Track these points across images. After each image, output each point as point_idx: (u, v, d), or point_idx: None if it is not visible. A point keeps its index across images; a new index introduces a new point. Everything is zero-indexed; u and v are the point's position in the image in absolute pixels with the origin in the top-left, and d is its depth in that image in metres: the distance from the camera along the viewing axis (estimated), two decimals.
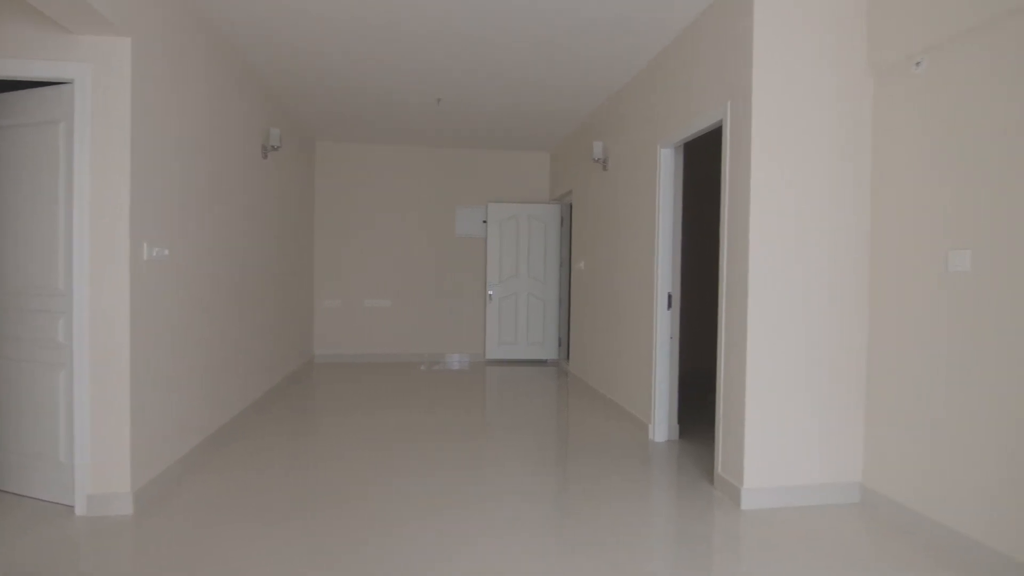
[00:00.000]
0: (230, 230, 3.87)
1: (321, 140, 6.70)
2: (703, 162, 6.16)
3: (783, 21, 2.77)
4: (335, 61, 4.17)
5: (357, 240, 6.87)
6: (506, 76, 4.44)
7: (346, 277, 6.86)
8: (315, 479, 3.05)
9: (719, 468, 3.01)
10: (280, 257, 5.28)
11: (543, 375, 6.26)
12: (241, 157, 4.09)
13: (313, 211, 6.73)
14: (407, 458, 3.42)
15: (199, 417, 3.39)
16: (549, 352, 6.97)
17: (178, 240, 3.08)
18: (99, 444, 2.61)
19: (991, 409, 2.24)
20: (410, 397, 5.04)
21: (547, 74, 4.39)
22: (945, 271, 2.45)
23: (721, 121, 3.09)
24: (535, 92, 4.83)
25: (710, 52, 3.20)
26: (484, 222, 7.01)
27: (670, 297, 3.80)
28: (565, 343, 6.81)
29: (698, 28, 3.36)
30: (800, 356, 2.83)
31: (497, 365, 6.81)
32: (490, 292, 6.84)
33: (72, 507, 2.64)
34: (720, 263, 3.03)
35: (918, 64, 2.60)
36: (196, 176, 3.30)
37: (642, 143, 4.17)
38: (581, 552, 2.33)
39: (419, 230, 6.99)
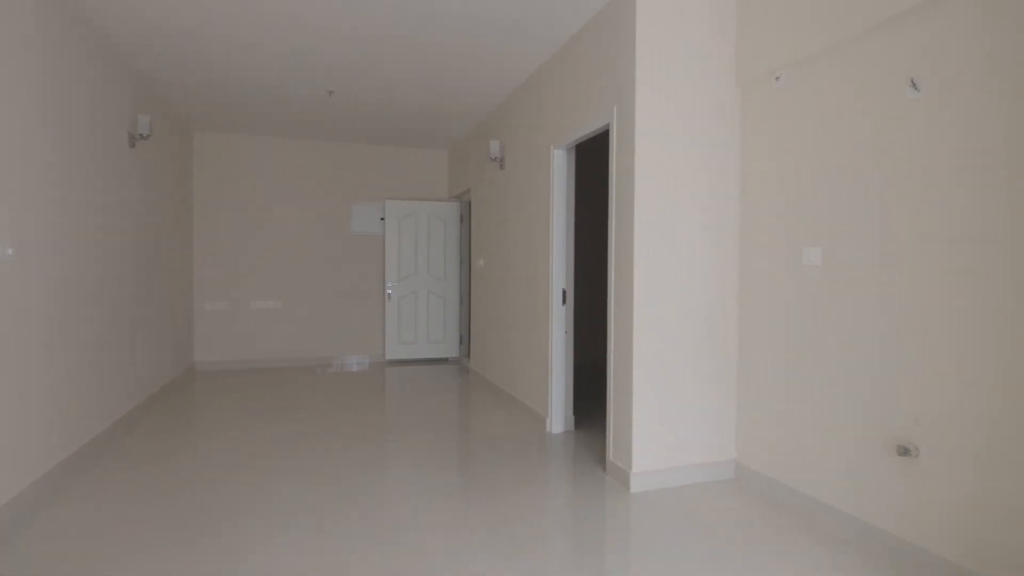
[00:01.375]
0: (84, 226, 3.46)
1: (201, 130, 6.20)
2: (599, 161, 6.42)
3: (662, 33, 2.95)
4: (214, 46, 3.88)
5: (244, 238, 6.44)
6: (401, 73, 4.37)
7: (232, 278, 6.41)
8: (187, 504, 2.81)
9: (610, 455, 3.15)
10: (151, 256, 4.83)
11: (444, 374, 6.23)
12: (100, 146, 3.68)
13: (192, 206, 6.23)
14: (298, 471, 3.27)
15: (45, 440, 3.01)
16: (450, 350, 6.95)
17: (16, 238, 2.72)
18: None
19: (842, 387, 2.54)
20: (304, 404, 4.81)
21: (442, 74, 4.37)
22: (800, 265, 2.73)
23: (608, 125, 3.24)
24: (431, 91, 4.79)
25: (598, 58, 3.35)
26: (382, 219, 6.85)
27: (564, 293, 3.93)
28: (466, 341, 6.83)
29: (587, 35, 3.50)
30: (681, 346, 3.03)
31: (397, 365, 6.69)
32: (389, 291, 6.70)
33: None
34: (608, 260, 3.18)
35: (778, 78, 2.88)
36: (32, 165, 2.91)
37: (536, 143, 4.27)
38: (481, 544, 2.34)
39: (312, 227, 6.69)
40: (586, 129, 3.50)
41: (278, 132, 6.28)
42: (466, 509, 2.72)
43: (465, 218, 6.86)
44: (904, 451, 2.21)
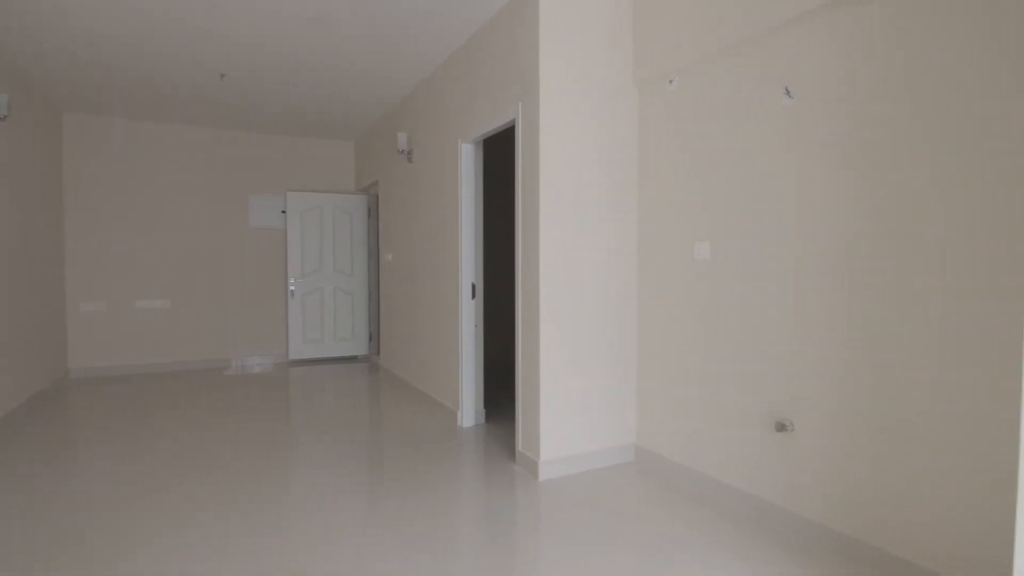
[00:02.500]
0: None
1: (72, 112, 5.59)
2: (510, 154, 6.48)
3: (564, 31, 3.03)
4: (84, 19, 3.50)
5: (126, 231, 5.89)
6: (302, 57, 4.17)
7: (111, 275, 5.85)
8: (52, 536, 2.54)
9: (519, 445, 3.21)
10: (13, 250, 4.30)
11: (354, 372, 6.06)
12: None
13: (62, 195, 5.61)
14: (194, 483, 3.05)
15: None
16: (359, 348, 6.76)
17: None
18: None
19: (729, 371, 2.74)
20: (198, 411, 4.49)
21: (348, 60, 4.22)
22: (692, 259, 2.92)
23: (514, 120, 3.28)
24: (336, 78, 4.61)
25: (504, 54, 3.37)
26: (283, 212, 6.53)
27: (474, 287, 3.94)
28: (376, 337, 6.68)
29: (493, 27, 3.51)
30: (585, 338, 3.14)
31: (303, 365, 6.41)
32: (291, 287, 6.40)
33: None
34: (516, 254, 3.23)
35: (671, 81, 3.05)
36: None
37: (444, 137, 4.24)
38: (392, 542, 2.31)
39: (206, 221, 6.24)
40: (493, 124, 3.52)
41: (164, 117, 5.79)
42: (378, 508, 2.66)
43: (373, 211, 6.69)
44: (781, 427, 2.43)
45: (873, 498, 2.13)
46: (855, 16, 2.17)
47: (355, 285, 6.72)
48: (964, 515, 1.88)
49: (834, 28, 2.25)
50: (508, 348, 6.39)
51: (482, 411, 4.06)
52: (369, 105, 5.43)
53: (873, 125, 2.13)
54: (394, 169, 5.50)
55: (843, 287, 2.23)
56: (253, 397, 4.88)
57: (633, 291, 3.30)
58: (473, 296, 3.95)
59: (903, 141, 2.03)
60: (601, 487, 2.92)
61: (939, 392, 1.94)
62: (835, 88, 2.25)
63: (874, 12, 2.11)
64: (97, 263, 5.78)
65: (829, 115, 2.28)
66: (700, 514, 2.60)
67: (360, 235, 6.72)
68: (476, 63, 3.74)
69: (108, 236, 5.82)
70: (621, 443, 3.27)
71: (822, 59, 2.30)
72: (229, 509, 2.65)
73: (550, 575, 2.11)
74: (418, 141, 4.82)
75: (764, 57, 2.53)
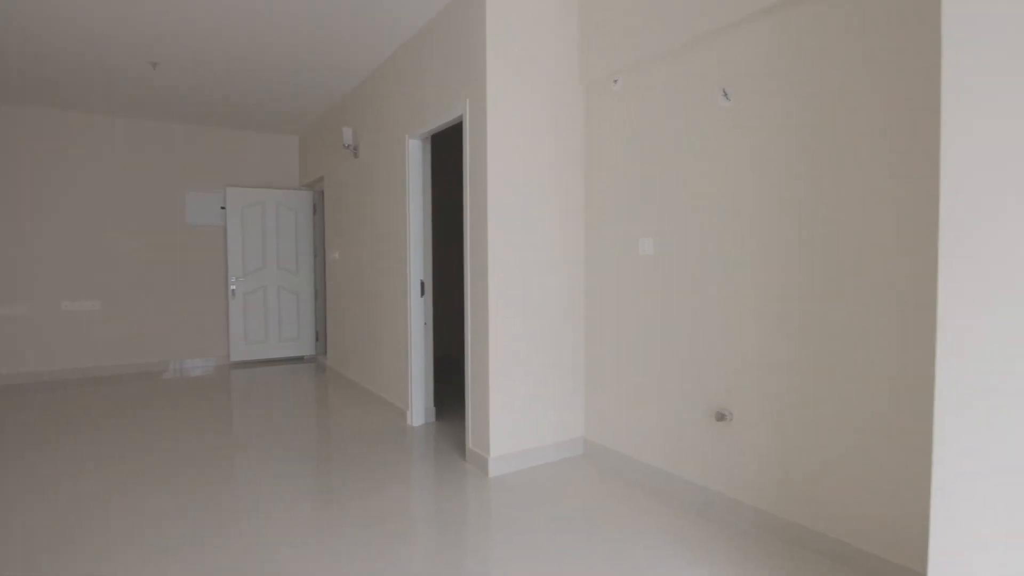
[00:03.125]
0: None
1: None
2: (459, 150, 6.44)
3: (511, 29, 3.03)
4: None
5: (50, 229, 5.52)
6: (242, 47, 4.01)
7: (33, 275, 5.47)
8: None
9: (470, 443, 3.21)
10: None
11: (299, 373, 5.90)
12: None
13: None
14: (133, 491, 2.90)
15: None
16: (305, 348, 6.59)
17: None
18: None
19: (672, 363, 2.82)
20: (132, 419, 4.27)
21: (292, 49, 4.09)
22: (637, 255, 2.98)
23: (462, 117, 3.26)
24: (279, 68, 4.46)
25: (452, 49, 3.35)
26: (223, 208, 6.27)
27: (423, 284, 3.91)
28: (323, 337, 6.52)
29: (441, 23, 3.48)
30: (534, 333, 3.17)
31: (246, 367, 6.19)
32: (233, 286, 6.16)
33: None
34: (465, 251, 3.22)
35: (616, 81, 3.10)
36: None
37: (392, 132, 4.18)
38: (343, 545, 2.26)
39: (139, 217, 5.92)
40: (441, 120, 3.49)
41: (93, 107, 5.45)
42: (326, 512, 2.60)
43: (319, 208, 6.52)
44: (721, 417, 2.53)
45: (806, 483, 2.24)
46: (783, 23, 2.27)
47: (300, 284, 6.54)
48: (887, 495, 2.00)
49: (765, 34, 2.34)
50: (460, 344, 6.37)
51: (432, 409, 4.03)
52: (314, 98, 5.29)
53: (802, 128, 2.23)
54: (340, 164, 5.37)
55: (775, 283, 2.33)
56: (193, 402, 4.68)
57: (581, 287, 3.34)
58: (422, 294, 3.91)
59: (831, 143, 2.14)
60: (551, 482, 2.95)
61: (862, 382, 2.05)
62: (767, 92, 2.34)
63: (800, 19, 2.21)
64: (16, 263, 5.40)
65: (762, 117, 2.37)
66: (647, 504, 2.67)
67: (305, 232, 6.54)
68: (424, 57, 3.70)
69: (29, 234, 5.44)
70: (570, 437, 3.32)
71: (755, 63, 2.39)
72: (171, 523, 2.53)
73: (503, 571, 2.12)
74: (365, 136, 4.73)
75: (704, 60, 2.61)
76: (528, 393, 3.16)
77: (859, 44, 2.04)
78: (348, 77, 4.70)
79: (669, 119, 2.79)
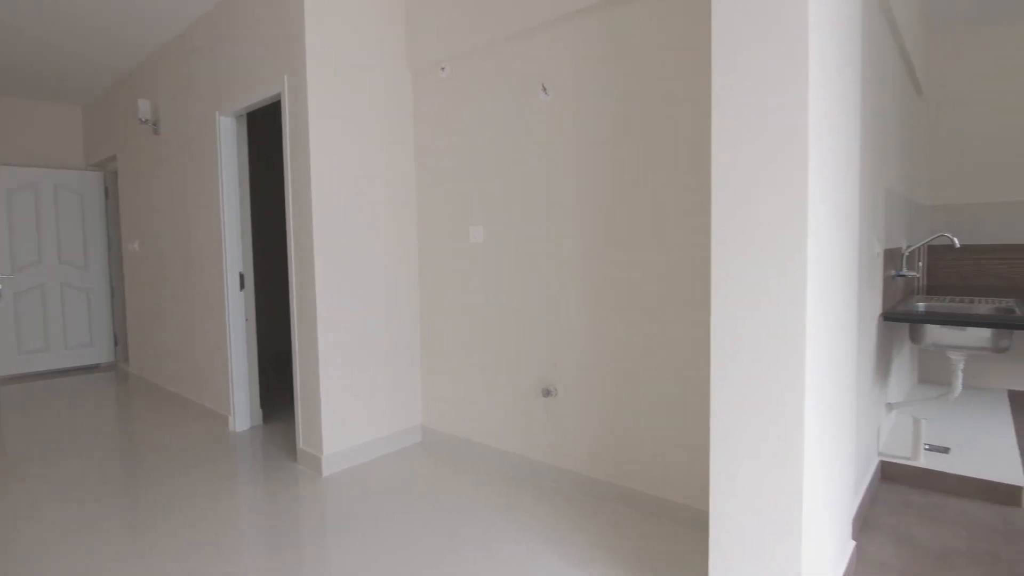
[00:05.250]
0: None
1: None
2: (278, 132, 6.00)
3: (333, 4, 2.87)
4: None
5: None
6: None
7: None
8: None
9: (301, 443, 3.04)
10: None
11: (96, 384, 5.08)
12: None
13: None
14: None
15: None
16: (102, 355, 5.69)
17: None
18: None
19: (502, 345, 2.92)
20: None
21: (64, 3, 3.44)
22: (468, 243, 3.04)
23: (280, 95, 3.03)
24: (49, 23, 3.73)
25: (267, 18, 3.08)
26: None
27: (242, 277, 3.58)
28: (123, 341, 5.69)
29: None
30: (367, 324, 3.08)
31: (21, 381, 5.17)
32: None
33: None
34: (288, 240, 3.01)
35: (443, 69, 3.10)
36: None
37: (200, 108, 3.74)
38: (160, 562, 2.00)
39: None
40: (256, 97, 3.20)
41: None
42: (142, 534, 2.28)
43: (112, 192, 5.64)
44: (547, 393, 2.69)
45: (617, 445, 2.49)
46: (594, 24, 2.45)
47: (91, 280, 5.62)
48: (682, 448, 2.30)
49: (578, 34, 2.51)
50: (282, 339, 5.97)
51: (259, 412, 3.73)
52: (100, 63, 4.52)
53: (610, 122, 2.43)
54: (137, 142, 4.69)
55: (594, 266, 2.53)
56: None
57: (415, 275, 3.32)
58: (242, 287, 3.59)
59: (634, 138, 2.37)
60: (389, 473, 2.91)
61: (658, 354, 2.32)
62: (580, 88, 2.52)
63: (607, 22, 2.41)
64: None
65: (577, 113, 2.54)
66: (481, 482, 2.75)
67: (95, 220, 5.62)
68: (236, 25, 3.35)
69: None
70: (409, 426, 3.30)
71: (571, 61, 2.55)
72: None
73: (340, 571, 2.04)
74: (166, 110, 4.18)
75: (526, 54, 2.72)
76: (362, 386, 3.07)
77: (655, 48, 2.28)
78: (143, 40, 4.10)
79: (496, 110, 2.87)
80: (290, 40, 2.89)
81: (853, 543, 1.99)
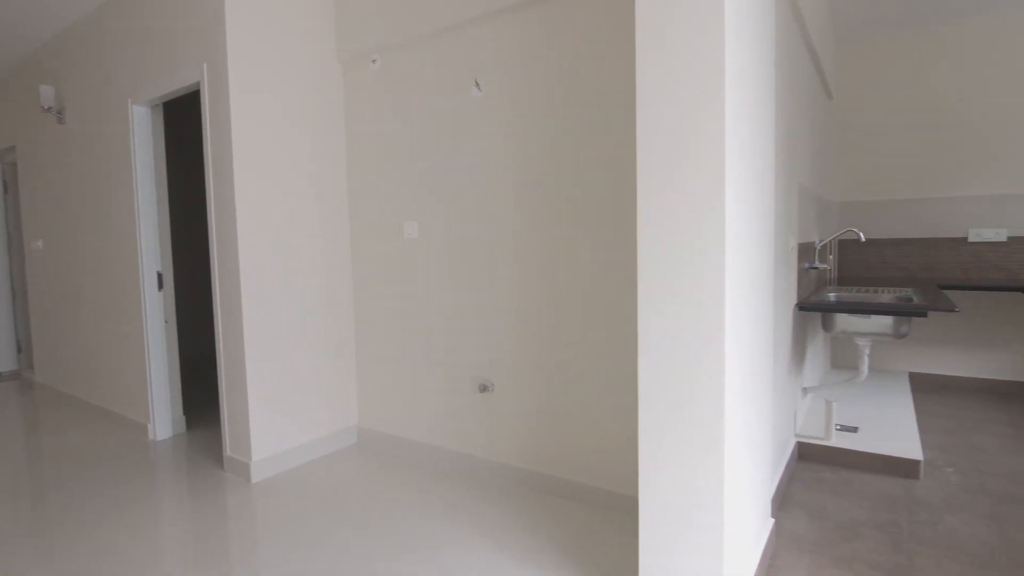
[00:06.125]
0: None
1: None
2: (198, 123, 5.68)
3: None
4: None
5: None
6: None
7: None
8: None
9: (228, 449, 2.91)
10: None
11: None
12: None
13: None
14: None
15: None
16: (3, 362, 5.22)
17: None
18: None
19: (439, 342, 2.90)
20: None
21: None
22: (402, 238, 3.00)
23: (199, 84, 2.88)
24: None
25: (185, 1, 2.91)
26: None
27: (160, 277, 3.38)
28: (27, 347, 5.25)
29: None
30: (297, 323, 2.98)
31: None
32: None
33: None
34: (210, 236, 2.86)
35: (375, 61, 3.04)
36: None
37: (111, 96, 3.50)
38: None
39: None
40: (173, 85, 3.03)
41: None
42: (50, 554, 2.11)
43: (11, 186, 5.18)
44: (484, 388, 2.70)
45: (554, 438, 2.53)
46: (522, 22, 2.47)
47: None
48: (612, 439, 2.36)
49: (508, 30, 2.52)
50: (207, 341, 5.69)
51: (182, 419, 3.54)
52: None
53: (543, 120, 2.46)
54: (39, 132, 4.33)
55: (528, 262, 2.55)
56: None
57: (347, 271, 3.24)
58: (160, 287, 3.39)
59: (562, 134, 2.40)
60: (323, 476, 2.83)
61: (592, 347, 2.38)
62: (514, 84, 2.53)
63: (535, 19, 2.43)
64: None
65: (508, 108, 2.55)
66: (419, 480, 2.73)
67: None
68: (152, 5, 3.15)
69: None
70: (344, 427, 3.22)
71: (501, 57, 2.56)
72: None
73: None
74: (73, 98, 3.87)
75: (458, 49, 2.70)
76: (293, 387, 2.97)
77: (588, 45, 2.32)
78: (44, 19, 3.78)
79: (429, 104, 2.84)
80: (210, 25, 2.74)
81: (772, 520, 2.11)
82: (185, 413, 3.85)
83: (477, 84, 2.65)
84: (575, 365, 2.44)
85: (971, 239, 4.02)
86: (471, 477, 2.76)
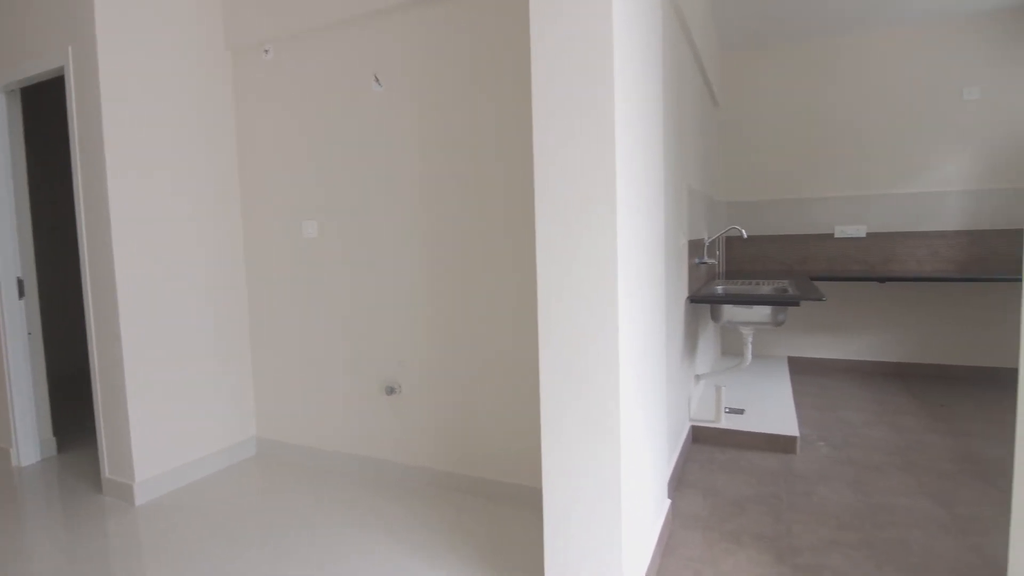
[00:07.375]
0: None
1: None
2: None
3: None
4: None
5: None
6: None
7: None
8: None
9: (107, 471, 2.65)
10: None
11: None
12: None
13: None
14: None
15: None
16: None
17: None
18: None
19: (342, 345, 2.81)
20: None
21: None
22: (301, 238, 2.87)
23: (64, 69, 2.60)
24: None
25: None
26: None
27: (21, 283, 3.02)
28: None
29: None
30: (183, 331, 2.77)
31: None
32: None
33: None
34: (79, 238, 2.60)
35: (267, 51, 2.89)
36: None
37: None
38: None
39: None
40: (33, 69, 2.71)
41: None
42: None
43: None
44: (391, 390, 2.65)
45: (464, 437, 2.53)
46: (422, 18, 2.45)
47: None
48: (516, 434, 2.41)
49: (408, 26, 2.49)
50: (82, 355, 5.17)
51: (51, 441, 3.18)
52: None
53: (446, 117, 2.45)
54: None
55: (429, 264, 2.54)
56: None
57: (241, 273, 3.06)
58: (21, 295, 3.03)
59: (476, 134, 2.41)
60: (217, 493, 2.66)
61: (498, 346, 2.41)
62: (416, 80, 2.50)
63: (438, 14, 2.42)
64: None
65: (409, 105, 2.52)
66: (325, 490, 2.63)
67: None
68: None
69: None
70: (241, 438, 3.04)
71: (402, 53, 2.52)
72: None
73: None
74: None
75: (358, 43, 2.63)
76: (182, 398, 2.76)
77: (480, 44, 2.34)
78: None
79: (328, 99, 2.74)
80: (75, 3, 2.49)
81: (669, 501, 2.24)
82: (56, 435, 3.47)
83: (377, 80, 2.59)
84: (484, 364, 2.46)
85: (837, 235, 4.47)
86: (380, 481, 2.70)
